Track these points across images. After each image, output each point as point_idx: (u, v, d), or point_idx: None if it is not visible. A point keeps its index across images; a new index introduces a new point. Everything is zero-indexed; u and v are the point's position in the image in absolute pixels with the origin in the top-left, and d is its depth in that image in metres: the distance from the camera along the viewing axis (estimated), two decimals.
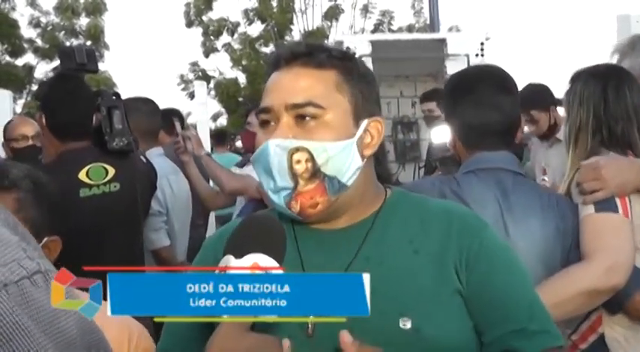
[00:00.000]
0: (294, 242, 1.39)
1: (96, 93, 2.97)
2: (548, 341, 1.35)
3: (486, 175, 2.09)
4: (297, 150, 1.31)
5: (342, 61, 1.41)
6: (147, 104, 3.88)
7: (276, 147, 1.32)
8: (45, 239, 1.73)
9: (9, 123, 4.94)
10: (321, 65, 1.38)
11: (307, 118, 1.33)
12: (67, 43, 23.44)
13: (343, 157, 1.35)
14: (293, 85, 1.36)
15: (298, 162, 1.31)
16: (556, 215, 2.07)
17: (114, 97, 2.98)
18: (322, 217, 1.37)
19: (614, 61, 2.68)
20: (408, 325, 1.28)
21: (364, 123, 1.39)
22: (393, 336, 1.28)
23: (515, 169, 2.15)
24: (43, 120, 2.91)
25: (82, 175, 2.83)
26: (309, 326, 1.29)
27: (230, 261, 1.11)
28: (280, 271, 1.10)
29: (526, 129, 4.87)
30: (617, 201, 2.07)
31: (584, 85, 2.29)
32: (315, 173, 1.32)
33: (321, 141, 1.33)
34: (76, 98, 2.88)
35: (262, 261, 1.11)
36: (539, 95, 4.90)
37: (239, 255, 1.11)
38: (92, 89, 2.98)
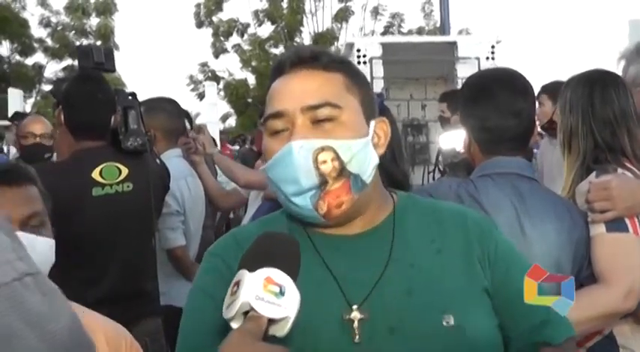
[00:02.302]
0: (315, 252, 1.37)
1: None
2: (567, 330, 1.39)
3: (502, 180, 2.10)
4: (322, 149, 1.29)
5: (345, 64, 1.43)
6: (171, 104, 3.89)
7: (300, 148, 1.28)
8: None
9: (23, 120, 5.06)
10: (328, 68, 1.38)
11: (324, 121, 1.32)
12: (77, 43, 23.55)
13: (364, 155, 1.34)
14: (305, 87, 1.34)
15: (324, 162, 1.29)
16: (569, 222, 2.09)
17: (130, 97, 2.98)
18: (343, 219, 1.36)
19: (620, 66, 2.71)
20: (451, 322, 1.28)
21: (372, 123, 1.40)
22: (437, 334, 1.28)
23: (530, 175, 2.17)
24: (62, 118, 2.91)
25: (95, 174, 2.83)
26: (357, 331, 1.28)
27: (244, 275, 1.10)
28: (294, 287, 1.11)
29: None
30: (627, 220, 2.12)
31: (573, 91, 2.35)
32: (342, 171, 1.30)
33: (343, 139, 1.31)
34: (97, 99, 2.89)
35: (275, 275, 1.10)
36: (552, 85, 4.97)
37: (252, 269, 1.10)
38: (112, 90, 2.98)
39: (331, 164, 1.29)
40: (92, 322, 1.89)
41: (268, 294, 1.08)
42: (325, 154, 1.29)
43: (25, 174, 1.76)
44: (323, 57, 1.39)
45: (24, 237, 1.63)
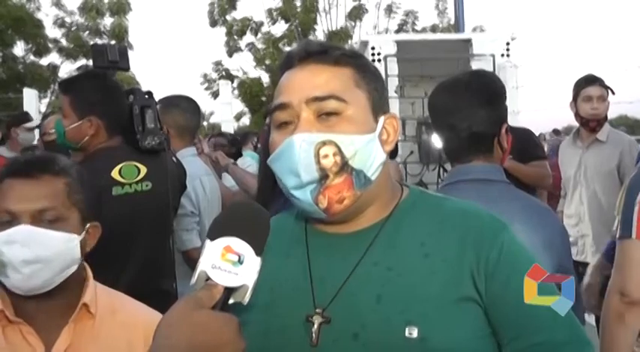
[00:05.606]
0: (304, 245, 1.39)
1: (128, 92, 2.99)
2: (574, 350, 1.29)
3: (461, 188, 2.06)
4: (324, 143, 1.28)
5: (356, 59, 1.40)
6: (188, 102, 3.90)
7: (302, 141, 1.28)
8: (88, 224, 1.84)
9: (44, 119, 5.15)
10: (337, 62, 1.36)
11: (329, 115, 1.30)
12: (92, 43, 23.71)
13: (368, 151, 1.33)
14: (311, 80, 1.33)
15: (326, 156, 1.27)
16: (542, 223, 2.03)
17: (146, 96, 2.99)
18: (346, 214, 1.34)
19: None
20: (415, 334, 1.22)
21: (381, 119, 1.38)
22: (397, 346, 1.23)
23: (498, 178, 2.12)
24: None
25: (114, 173, 2.85)
26: (314, 335, 1.27)
27: (206, 244, 1.12)
28: (253, 256, 1.12)
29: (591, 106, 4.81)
30: None
31: None
32: (344, 166, 1.29)
33: (346, 134, 1.30)
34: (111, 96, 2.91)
35: (235, 244, 1.11)
36: (601, 80, 4.96)
37: (215, 238, 1.12)
38: (123, 87, 3.01)
39: (332, 158, 1.28)
40: (134, 315, 1.89)
41: (225, 263, 1.10)
42: (327, 148, 1.28)
43: (48, 166, 1.78)
44: (333, 51, 1.37)
45: (21, 230, 1.68)
